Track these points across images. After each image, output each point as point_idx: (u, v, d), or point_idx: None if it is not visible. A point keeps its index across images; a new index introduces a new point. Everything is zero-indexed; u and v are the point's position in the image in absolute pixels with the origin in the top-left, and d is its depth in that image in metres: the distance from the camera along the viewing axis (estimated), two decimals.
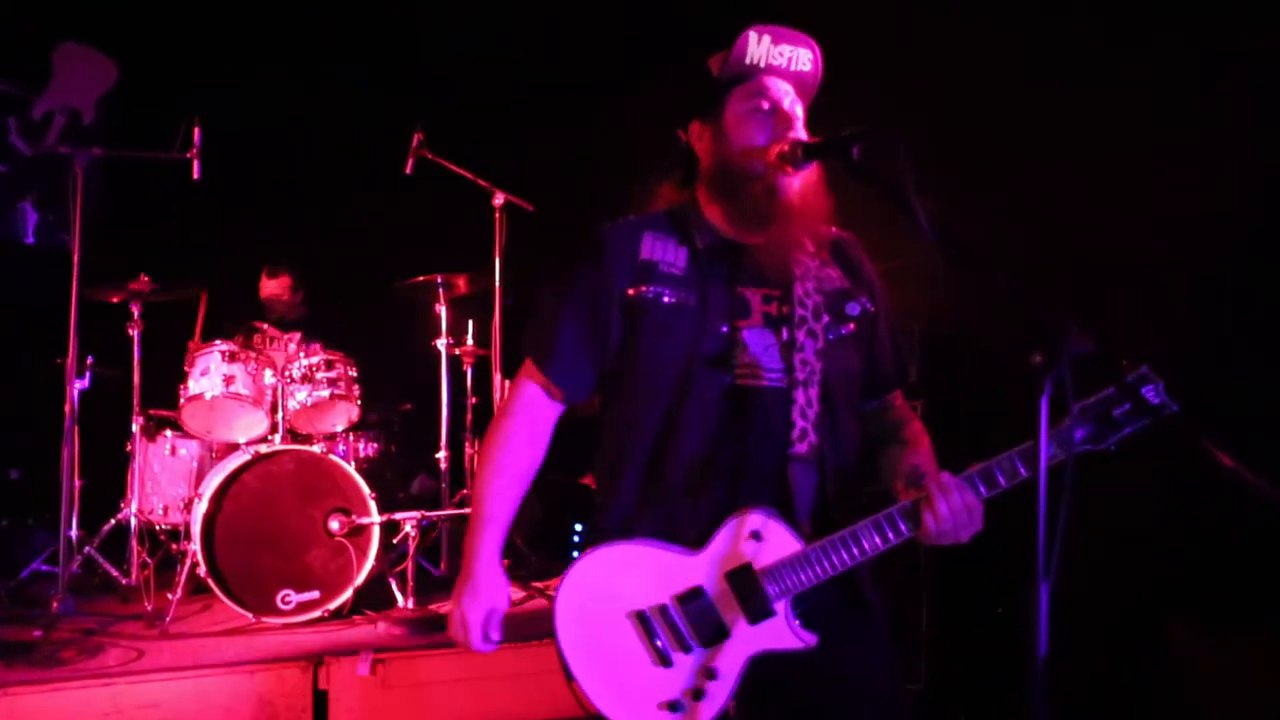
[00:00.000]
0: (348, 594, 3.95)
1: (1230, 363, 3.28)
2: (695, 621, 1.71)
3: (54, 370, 4.43)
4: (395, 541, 4.27)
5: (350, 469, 4.02)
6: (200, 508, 3.85)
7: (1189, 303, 3.39)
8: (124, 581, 4.24)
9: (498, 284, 4.59)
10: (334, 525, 3.93)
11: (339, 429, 4.43)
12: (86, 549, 4.25)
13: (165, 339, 4.64)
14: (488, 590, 1.82)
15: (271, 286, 5.13)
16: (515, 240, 4.66)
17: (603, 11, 5.47)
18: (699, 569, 1.72)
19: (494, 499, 1.82)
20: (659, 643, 1.72)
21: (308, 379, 4.19)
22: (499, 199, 4.61)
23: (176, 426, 4.40)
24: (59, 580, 3.90)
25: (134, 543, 4.24)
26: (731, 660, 1.71)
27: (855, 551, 1.69)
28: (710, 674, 1.71)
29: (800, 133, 1.74)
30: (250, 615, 3.83)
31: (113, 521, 4.35)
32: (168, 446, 4.43)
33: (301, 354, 4.29)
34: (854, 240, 1.92)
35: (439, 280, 4.48)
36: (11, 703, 3.18)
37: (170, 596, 3.86)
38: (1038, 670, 1.39)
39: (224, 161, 4.37)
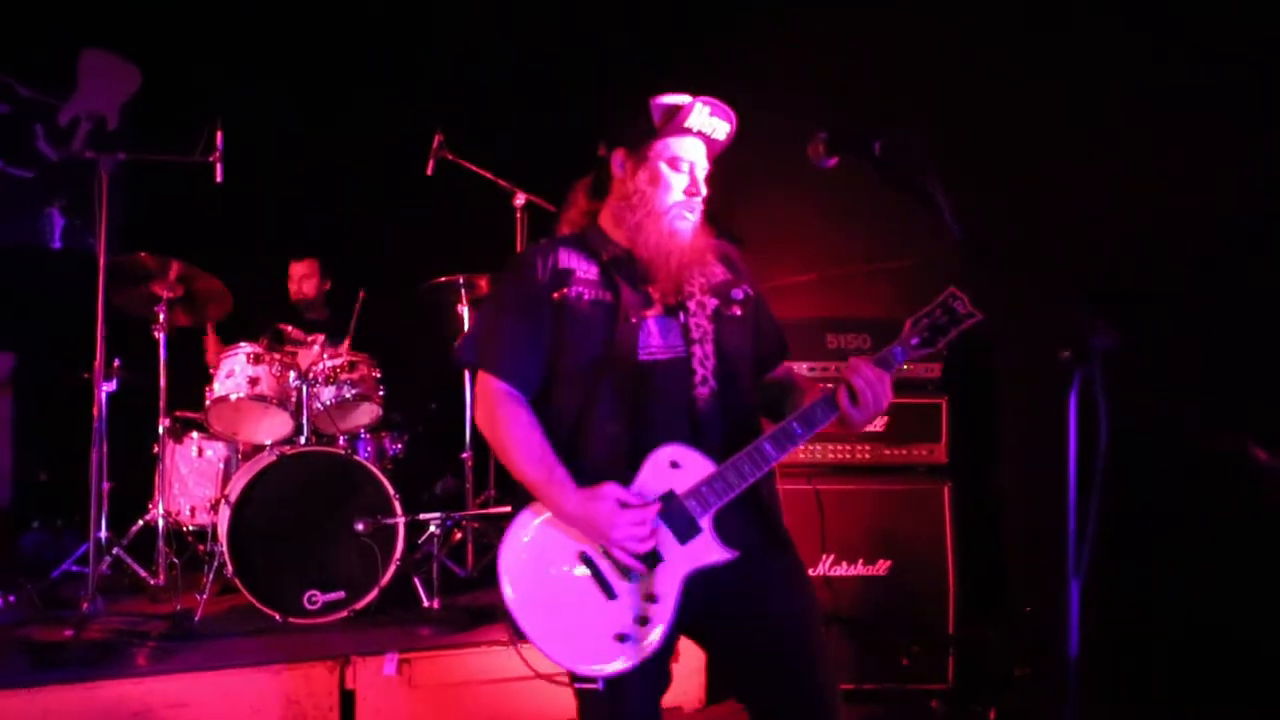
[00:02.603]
0: (373, 594, 3.97)
1: None
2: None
3: (81, 374, 4.49)
4: (420, 542, 4.28)
5: (375, 470, 4.04)
6: (228, 510, 3.88)
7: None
8: (152, 582, 4.27)
9: None
10: (359, 526, 3.95)
11: (363, 429, 4.46)
12: (115, 550, 4.29)
13: (192, 342, 4.68)
14: (594, 504, 1.95)
15: (299, 270, 5.14)
16: (537, 240, 4.64)
17: (623, 11, 5.47)
18: (643, 497, 1.96)
19: (539, 464, 2.01)
20: (603, 575, 1.94)
21: (331, 380, 4.21)
22: (520, 199, 4.62)
23: (203, 428, 4.44)
24: (89, 581, 3.94)
25: (161, 544, 4.27)
26: (668, 582, 1.94)
27: (761, 459, 1.96)
28: (651, 598, 1.92)
29: (704, 191, 2.12)
30: (277, 615, 3.85)
31: (140, 523, 4.39)
32: (194, 448, 4.47)
33: (325, 355, 4.31)
34: (734, 249, 2.25)
35: (461, 281, 4.50)
36: (44, 701, 3.21)
37: (199, 597, 3.89)
38: (1070, 668, 1.39)
39: (245, 165, 4.39)
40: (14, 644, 3.62)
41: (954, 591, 3.75)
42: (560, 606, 1.93)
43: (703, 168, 2.13)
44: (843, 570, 3.77)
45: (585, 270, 2.11)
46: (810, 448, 3.86)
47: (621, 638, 1.91)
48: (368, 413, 4.39)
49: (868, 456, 3.88)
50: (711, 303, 2.10)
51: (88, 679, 3.30)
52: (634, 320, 2.06)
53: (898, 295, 4.31)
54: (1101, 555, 1.45)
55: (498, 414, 2.06)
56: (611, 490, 1.94)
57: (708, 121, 2.07)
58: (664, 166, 2.10)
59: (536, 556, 1.96)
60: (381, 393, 4.34)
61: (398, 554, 4.00)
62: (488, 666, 3.60)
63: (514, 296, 2.13)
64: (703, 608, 1.98)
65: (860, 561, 3.79)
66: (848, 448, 3.87)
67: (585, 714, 2.03)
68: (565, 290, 2.08)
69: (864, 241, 4.62)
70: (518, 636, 1.93)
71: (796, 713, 1.97)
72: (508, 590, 1.95)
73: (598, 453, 2.01)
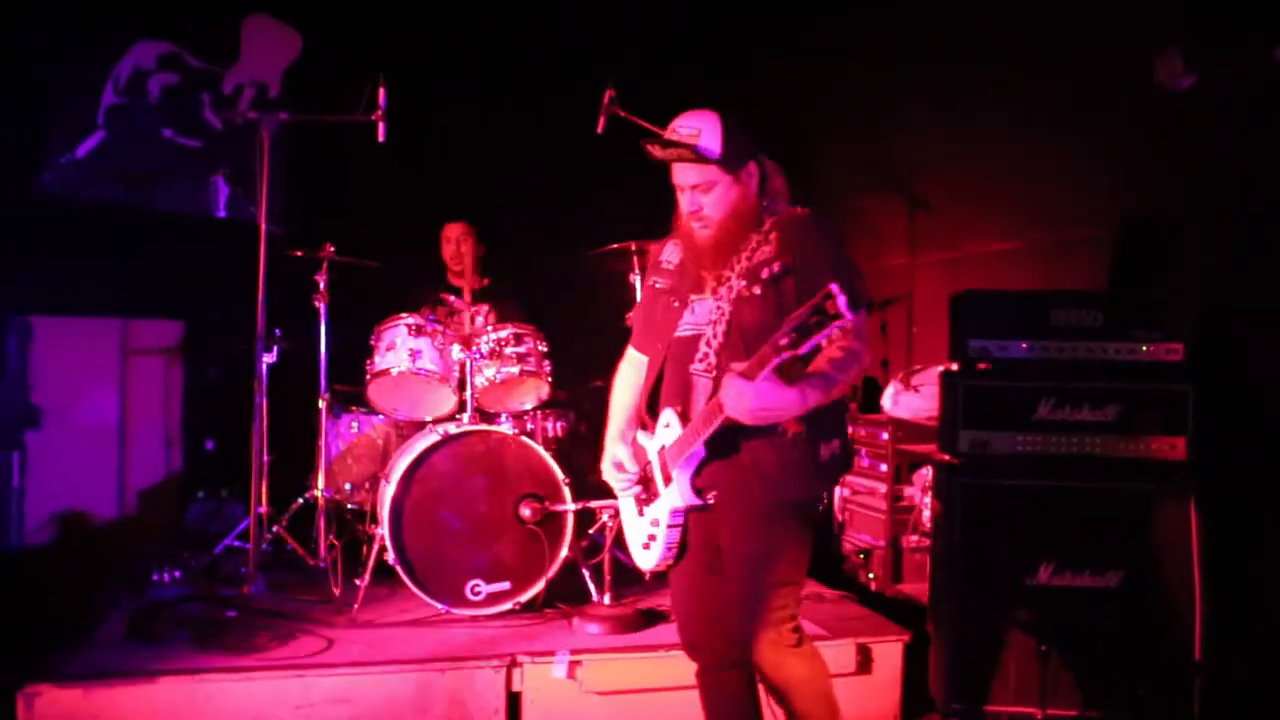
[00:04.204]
0: (540, 586, 3.70)
1: None
2: (644, 484, 2.60)
3: (244, 342, 4.38)
4: (591, 532, 3.99)
5: (544, 452, 3.76)
6: (389, 490, 3.66)
7: None
8: (311, 562, 4.13)
9: None
10: (525, 512, 3.68)
11: (527, 408, 4.18)
12: (275, 528, 4.15)
13: (354, 311, 4.49)
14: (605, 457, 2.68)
15: (451, 232, 4.87)
16: None
17: None
18: (650, 449, 2.56)
19: (611, 414, 2.72)
20: (633, 503, 2.65)
21: (496, 354, 3.93)
22: None
23: (362, 402, 4.25)
24: (249, 560, 3.81)
25: (321, 523, 4.12)
26: (660, 513, 2.54)
27: (700, 427, 2.37)
28: (654, 523, 2.56)
29: (700, 208, 2.45)
30: (439, 605, 3.63)
31: (300, 500, 4.24)
32: (354, 423, 4.29)
33: (490, 327, 4.04)
34: (805, 217, 2.48)
35: (633, 248, 4.14)
36: (209, 689, 3.09)
37: (358, 583, 3.71)
38: None
39: (406, 127, 4.17)
40: (179, 622, 3.51)
41: (1200, 612, 3.21)
42: (626, 522, 2.70)
43: (690, 186, 2.44)
44: (1065, 580, 3.27)
45: (669, 260, 2.64)
46: (1031, 438, 3.35)
47: (645, 545, 2.61)
48: (534, 390, 4.10)
49: (1097, 449, 3.35)
50: (739, 284, 2.37)
51: (249, 669, 3.17)
52: (677, 304, 2.55)
53: (1116, 265, 3.79)
54: None
55: (620, 366, 2.76)
56: (613, 450, 2.63)
57: (662, 155, 2.42)
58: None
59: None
60: (548, 368, 4.04)
61: (566, 544, 3.72)
62: (664, 673, 3.29)
63: (643, 284, 2.81)
64: (683, 543, 2.56)
65: (1087, 572, 3.28)
66: (1075, 439, 3.35)
67: None
68: (651, 277, 2.69)
69: (1071, 208, 4.09)
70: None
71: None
72: None
73: (653, 410, 2.59)
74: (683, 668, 3.34)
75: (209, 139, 5.95)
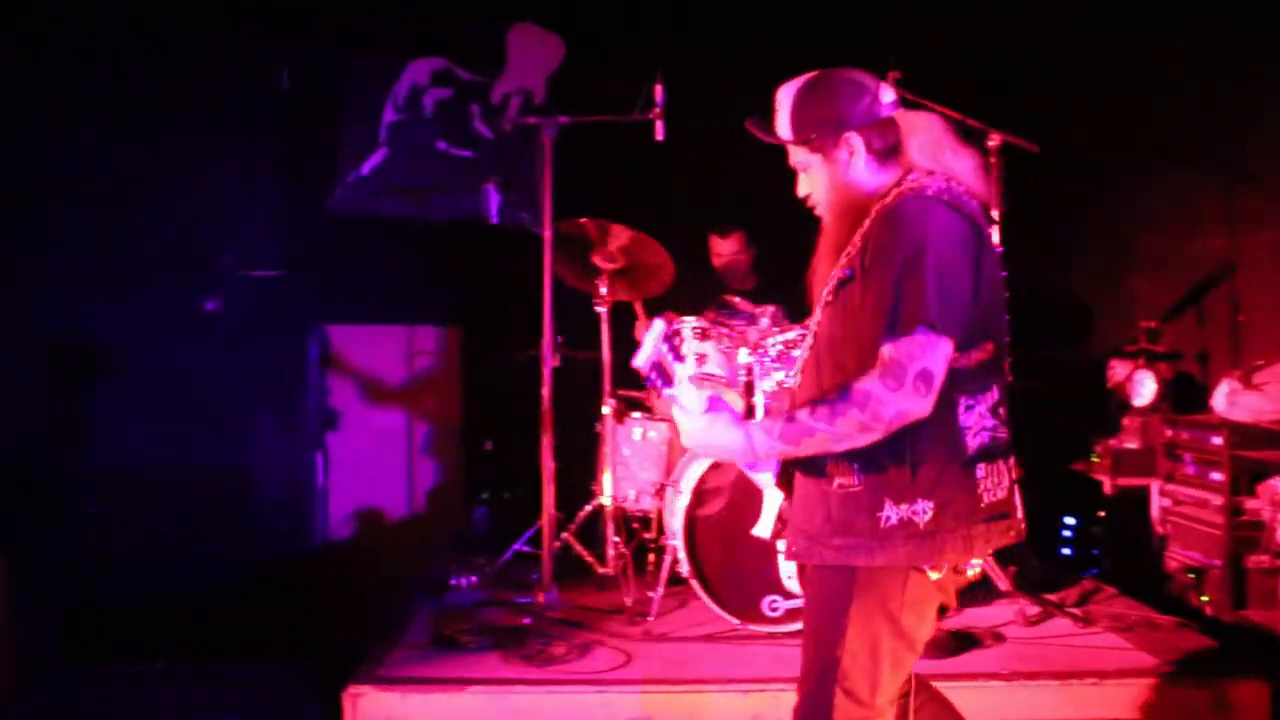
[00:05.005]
0: None
1: None
2: None
3: (519, 347, 4.44)
4: None
5: None
6: (681, 501, 3.57)
7: None
8: (599, 570, 4.11)
9: (996, 240, 3.90)
10: None
11: None
12: (563, 535, 4.16)
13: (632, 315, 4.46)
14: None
15: (724, 248, 4.79)
16: (1015, 188, 3.94)
17: None
18: None
19: None
20: None
21: (784, 357, 3.76)
22: (994, 140, 3.89)
23: (645, 408, 4.19)
24: (541, 567, 3.82)
25: (609, 531, 4.09)
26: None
27: None
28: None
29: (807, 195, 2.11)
30: (735, 620, 3.50)
31: (588, 508, 4.24)
32: (637, 430, 4.23)
33: (777, 329, 3.87)
34: (892, 205, 1.94)
35: None
36: (514, 700, 3.11)
37: (651, 594, 3.65)
38: None
39: (677, 125, 4.07)
40: (480, 630, 3.57)
41: None
42: None
43: (795, 168, 2.11)
44: None
45: None
46: None
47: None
48: None
49: None
50: (827, 288, 2.01)
51: (552, 681, 3.17)
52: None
53: None
54: None
55: None
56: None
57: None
58: None
59: None
60: None
61: None
62: (982, 704, 3.00)
63: None
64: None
65: None
66: None
67: None
68: None
69: None
70: None
71: None
72: None
73: None
74: (1003, 699, 3.08)
75: (479, 149, 6.12)
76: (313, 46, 5.67)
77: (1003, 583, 3.72)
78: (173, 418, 5.12)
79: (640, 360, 1.96)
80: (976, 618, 3.66)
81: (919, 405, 1.81)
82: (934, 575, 1.90)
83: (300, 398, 5.59)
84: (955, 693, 3.02)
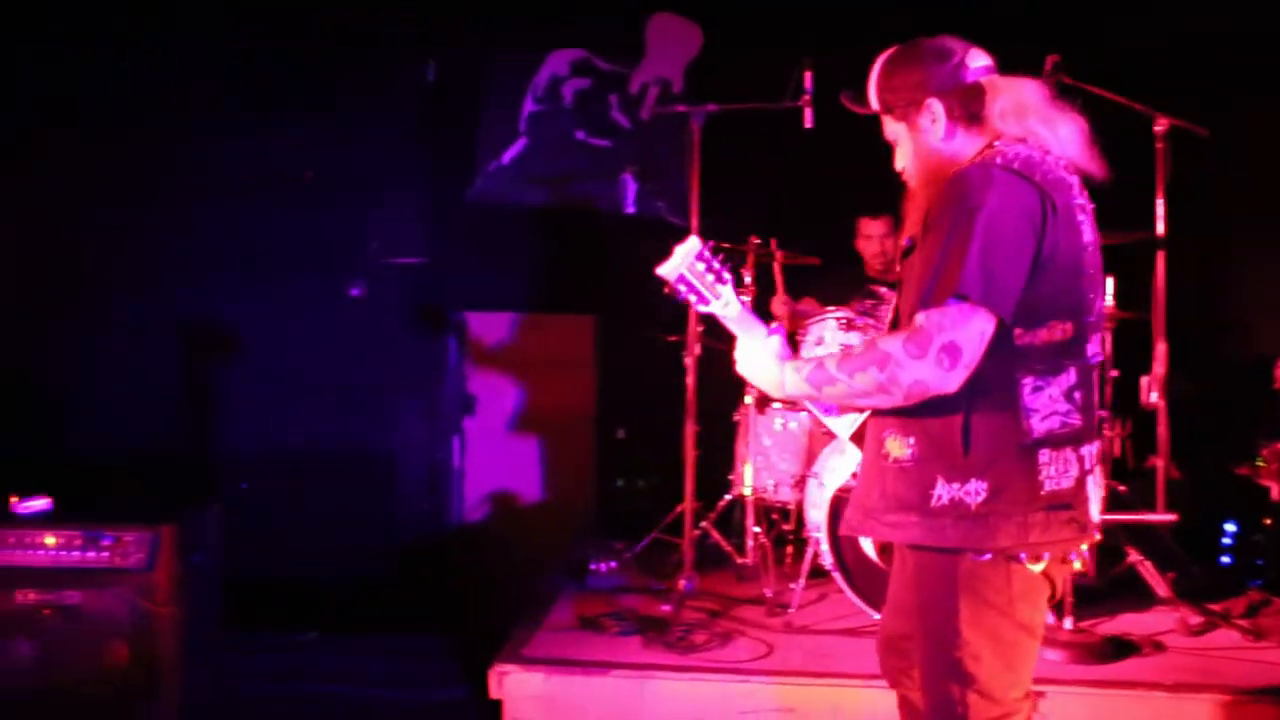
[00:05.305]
0: None
1: None
2: None
3: (654, 335, 4.44)
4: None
5: None
6: (824, 492, 3.52)
7: None
8: (738, 560, 4.09)
9: (1160, 230, 3.72)
10: None
11: None
12: (702, 523, 4.15)
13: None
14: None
15: (873, 229, 4.67)
16: (1182, 175, 3.75)
17: None
18: None
19: None
20: None
21: None
22: (1161, 125, 3.71)
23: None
24: (681, 555, 3.82)
25: (749, 521, 4.07)
26: None
27: None
28: None
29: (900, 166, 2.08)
30: (876, 615, 3.42)
31: (727, 497, 4.22)
32: (778, 420, 4.19)
33: None
34: (952, 177, 1.88)
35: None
36: (656, 685, 3.12)
37: (792, 586, 3.61)
38: None
39: (823, 114, 4.00)
40: (620, 615, 3.60)
41: None
42: None
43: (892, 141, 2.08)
44: None
45: None
46: None
47: None
48: None
49: None
50: (900, 260, 2.05)
51: (693, 669, 3.17)
52: None
53: None
54: None
55: None
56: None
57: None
58: None
59: None
60: None
61: None
62: (1140, 716, 2.88)
63: None
64: None
65: None
66: None
67: None
68: None
69: None
70: None
71: None
72: None
73: None
74: (1166, 711, 2.94)
75: (617, 138, 6.15)
76: (457, 40, 5.78)
77: (1161, 589, 3.55)
78: (318, 401, 5.31)
79: (666, 269, 1.94)
80: (1133, 624, 3.50)
81: (940, 378, 1.76)
82: (1034, 567, 1.85)
83: (439, 383, 5.72)
84: (1111, 700, 2.94)
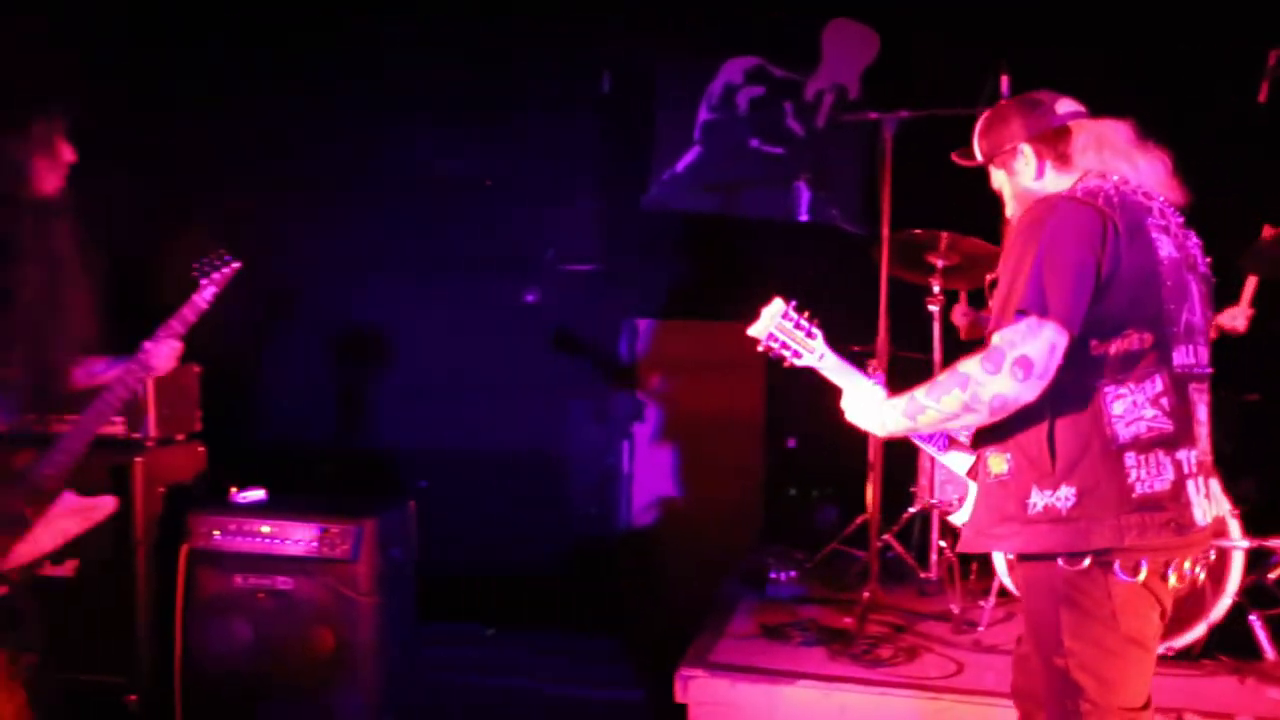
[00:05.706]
0: (1200, 631, 3.21)
1: None
2: None
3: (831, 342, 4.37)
4: (1273, 577, 3.39)
5: None
6: None
7: None
8: (921, 574, 4.00)
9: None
10: None
11: None
12: (885, 535, 4.08)
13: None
14: None
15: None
16: None
17: None
18: None
19: None
20: None
21: None
22: None
23: None
24: (865, 567, 3.76)
25: (933, 535, 3.97)
26: None
27: None
28: None
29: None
30: None
31: (911, 510, 4.13)
32: (963, 433, 4.07)
33: None
34: (1022, 214, 2.05)
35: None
36: (842, 698, 3.09)
37: (981, 604, 3.51)
38: None
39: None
40: (803, 625, 3.57)
41: None
42: None
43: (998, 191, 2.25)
44: None
45: None
46: None
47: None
48: None
49: None
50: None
51: (882, 683, 3.12)
52: None
53: None
54: None
55: None
56: None
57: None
58: None
59: None
60: None
61: (1233, 586, 3.19)
62: None
63: None
64: None
65: None
66: None
67: None
68: None
69: None
70: None
71: None
72: None
73: None
74: None
75: (791, 146, 6.11)
76: (632, 50, 5.87)
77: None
78: (492, 403, 5.48)
79: (756, 330, 2.19)
80: None
81: (1018, 390, 1.87)
82: (1128, 579, 1.90)
83: (610, 388, 5.81)
84: None
